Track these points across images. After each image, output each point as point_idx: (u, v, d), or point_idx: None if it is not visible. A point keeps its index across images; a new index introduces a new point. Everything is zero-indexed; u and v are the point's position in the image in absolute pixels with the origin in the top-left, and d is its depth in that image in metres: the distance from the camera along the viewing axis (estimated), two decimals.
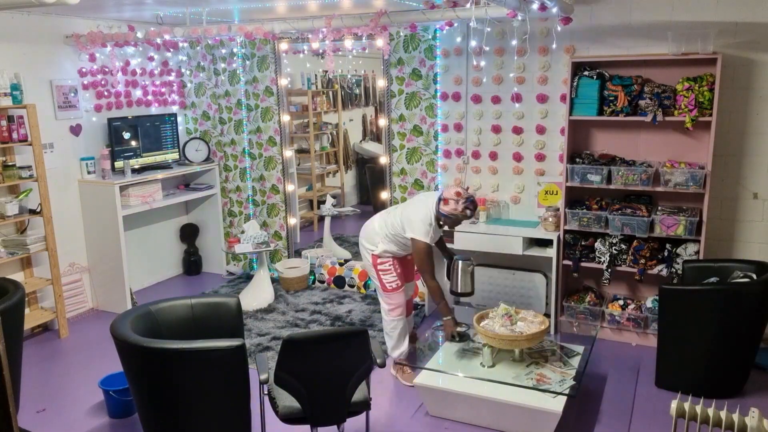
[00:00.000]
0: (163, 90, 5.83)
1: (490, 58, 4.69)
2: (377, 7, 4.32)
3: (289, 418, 2.79)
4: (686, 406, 2.60)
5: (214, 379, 2.75)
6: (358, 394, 2.87)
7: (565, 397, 3.19)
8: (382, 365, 2.89)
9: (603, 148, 4.47)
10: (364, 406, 2.91)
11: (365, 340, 2.74)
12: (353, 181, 8.40)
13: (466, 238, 4.63)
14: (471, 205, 3.67)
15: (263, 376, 2.78)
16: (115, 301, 5.17)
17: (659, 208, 4.27)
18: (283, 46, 5.49)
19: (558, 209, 4.50)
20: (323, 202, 6.19)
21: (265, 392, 2.88)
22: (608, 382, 3.88)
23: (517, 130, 4.73)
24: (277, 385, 2.72)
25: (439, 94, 4.94)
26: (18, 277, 4.70)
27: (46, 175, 4.54)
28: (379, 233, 3.91)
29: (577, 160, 4.34)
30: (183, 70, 5.96)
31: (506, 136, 4.80)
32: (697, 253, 4.06)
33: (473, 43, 4.59)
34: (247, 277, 5.81)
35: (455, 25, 4.36)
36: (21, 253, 4.53)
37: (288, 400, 2.79)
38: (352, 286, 5.53)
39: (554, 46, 4.38)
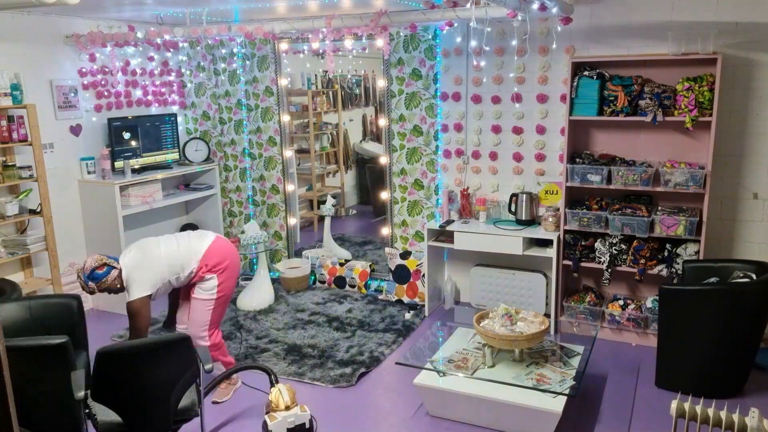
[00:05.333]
0: (163, 90, 5.83)
1: (490, 58, 4.70)
2: (377, 7, 4.33)
3: None
4: (686, 406, 2.60)
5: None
6: (186, 401, 2.85)
7: (565, 397, 3.19)
8: (209, 371, 2.83)
9: (603, 148, 4.47)
10: (192, 412, 2.89)
11: (187, 346, 2.67)
12: (353, 181, 8.40)
13: (466, 239, 4.63)
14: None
15: (80, 394, 2.63)
16: (115, 301, 5.17)
17: (659, 208, 4.27)
18: (283, 46, 5.49)
19: (558, 209, 4.50)
20: (323, 202, 6.19)
21: (85, 410, 2.75)
22: (608, 382, 3.88)
23: (517, 130, 4.73)
24: (95, 401, 2.63)
25: (439, 94, 4.94)
26: (18, 277, 4.70)
27: (46, 175, 4.54)
28: None
29: (577, 160, 4.34)
30: (183, 70, 5.97)
31: (506, 136, 4.80)
32: (697, 253, 4.06)
33: (473, 43, 4.59)
34: (246, 278, 5.81)
35: (455, 25, 4.36)
36: (21, 253, 4.53)
37: (107, 415, 2.70)
38: (352, 287, 5.53)
39: (554, 46, 4.38)
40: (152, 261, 3.44)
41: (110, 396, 2.63)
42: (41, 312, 3.24)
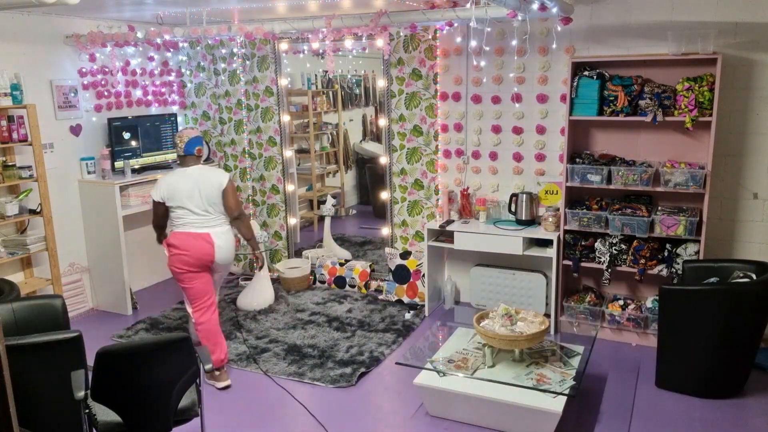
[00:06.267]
0: (163, 90, 5.83)
1: (490, 58, 4.70)
2: (377, 7, 4.33)
3: None
4: None
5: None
6: (186, 401, 2.84)
7: (565, 397, 3.18)
8: (209, 371, 2.81)
9: (603, 148, 4.47)
10: (192, 412, 2.88)
11: (187, 346, 2.67)
12: (353, 181, 8.40)
13: (466, 239, 4.63)
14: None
15: (80, 394, 2.61)
16: (115, 301, 5.18)
17: (659, 208, 4.27)
18: (283, 46, 5.49)
19: (558, 209, 4.50)
20: (323, 202, 6.19)
21: (85, 410, 2.72)
22: (608, 382, 3.88)
23: (517, 130, 4.73)
24: (95, 401, 2.63)
25: (439, 94, 4.94)
26: (18, 277, 4.70)
27: (46, 175, 4.54)
28: None
29: (577, 160, 4.34)
30: (183, 70, 5.97)
31: (506, 136, 4.80)
32: (697, 253, 4.06)
33: (473, 43, 4.59)
34: (246, 278, 5.81)
35: (455, 25, 4.36)
36: (21, 253, 4.53)
37: (107, 415, 2.70)
38: (352, 287, 5.53)
39: (554, 46, 4.38)
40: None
41: (110, 396, 2.63)
42: (25, 313, 3.19)
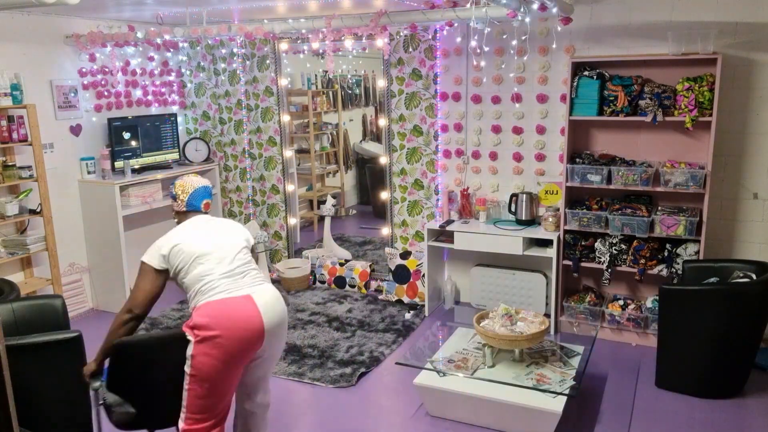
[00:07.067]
0: (163, 90, 5.83)
1: (490, 58, 4.69)
2: (377, 7, 4.33)
3: (124, 423, 2.68)
4: None
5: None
6: None
7: (565, 397, 3.18)
8: None
9: (603, 148, 4.47)
10: None
11: None
12: (353, 181, 8.41)
13: (466, 239, 4.63)
14: None
15: (95, 384, 2.66)
16: (115, 301, 5.17)
17: (659, 208, 4.27)
18: (283, 46, 5.49)
19: (558, 209, 4.50)
20: (323, 202, 6.20)
21: (100, 401, 2.71)
22: (608, 382, 3.88)
23: (517, 130, 4.73)
24: (110, 391, 2.65)
25: (439, 94, 4.94)
26: (18, 277, 4.70)
27: (46, 175, 4.54)
28: None
29: (577, 160, 4.34)
30: (183, 70, 5.97)
31: (506, 136, 4.80)
32: (697, 253, 4.06)
33: (473, 43, 4.59)
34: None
35: (455, 25, 4.36)
36: (21, 253, 4.54)
37: (122, 406, 2.70)
38: (353, 286, 5.53)
39: (554, 46, 4.38)
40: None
41: (125, 387, 2.65)
42: (25, 313, 3.19)
